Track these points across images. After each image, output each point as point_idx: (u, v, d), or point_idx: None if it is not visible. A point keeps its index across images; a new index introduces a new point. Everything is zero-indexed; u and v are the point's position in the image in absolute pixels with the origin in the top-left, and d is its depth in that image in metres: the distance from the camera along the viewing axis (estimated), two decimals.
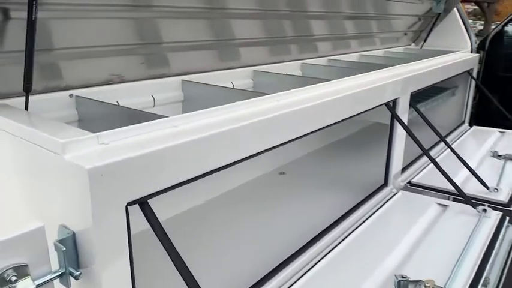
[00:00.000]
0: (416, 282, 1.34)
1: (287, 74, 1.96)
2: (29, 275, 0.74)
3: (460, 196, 1.87)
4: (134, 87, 1.42)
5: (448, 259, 1.48)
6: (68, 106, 1.24)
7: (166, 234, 0.86)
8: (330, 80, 1.63)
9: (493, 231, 1.67)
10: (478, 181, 2.05)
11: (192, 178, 0.91)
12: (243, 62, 1.89)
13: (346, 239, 1.64)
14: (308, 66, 2.22)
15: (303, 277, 1.39)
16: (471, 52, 3.37)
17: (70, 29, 1.20)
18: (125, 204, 0.81)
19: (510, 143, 2.84)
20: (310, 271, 1.42)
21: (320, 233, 1.65)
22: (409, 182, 2.20)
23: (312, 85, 1.47)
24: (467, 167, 2.07)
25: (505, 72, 3.87)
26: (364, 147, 2.64)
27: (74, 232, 0.80)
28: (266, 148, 1.11)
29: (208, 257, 1.43)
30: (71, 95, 1.24)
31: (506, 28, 4.03)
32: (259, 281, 1.32)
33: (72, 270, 0.79)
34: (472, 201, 1.83)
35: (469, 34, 3.41)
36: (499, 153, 2.57)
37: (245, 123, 1.03)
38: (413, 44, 3.63)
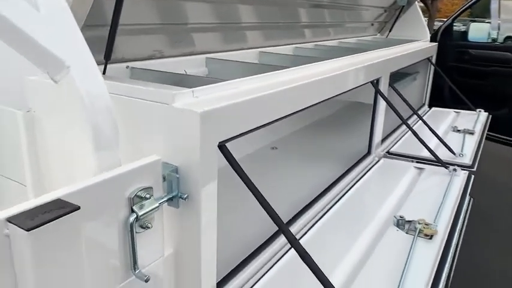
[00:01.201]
0: (410, 221, 1.64)
1: (288, 54, 2.21)
2: (152, 195, 0.95)
3: (435, 159, 2.21)
4: (171, 62, 1.62)
5: (432, 205, 1.80)
6: (124, 76, 1.42)
7: (243, 170, 1.09)
8: (327, 59, 1.89)
9: (463, 185, 2.02)
10: (446, 149, 2.41)
11: (261, 125, 1.15)
12: (249, 44, 2.12)
13: (342, 199, 1.91)
14: (300, 49, 2.48)
15: (314, 226, 1.64)
16: (430, 42, 3.78)
17: (124, 7, 1.39)
18: (217, 144, 1.03)
19: (466, 120, 3.25)
20: (318, 223, 1.67)
21: (318, 195, 1.91)
22: (388, 152, 2.52)
23: (317, 62, 1.73)
24: (436, 136, 2.43)
25: (454, 62, 4.32)
26: (344, 123, 2.95)
27: (176, 166, 1.01)
28: (312, 104, 1.37)
29: None
30: (127, 67, 1.42)
31: (455, 22, 4.50)
32: (266, 240, 1.53)
33: (181, 194, 1.00)
34: (444, 163, 2.18)
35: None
36: (458, 128, 2.97)
37: (294, 85, 1.28)
38: (378, 34, 4.00)
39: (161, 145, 1.03)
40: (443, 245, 1.48)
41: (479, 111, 3.49)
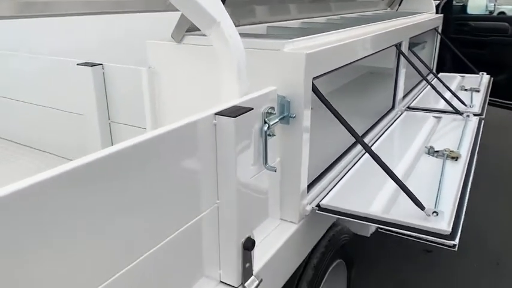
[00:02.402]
0: (438, 150, 2.06)
1: (326, 23, 2.60)
2: (275, 113, 1.35)
3: (450, 110, 2.63)
4: (243, 29, 2.01)
5: (453, 140, 2.22)
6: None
7: (327, 99, 1.50)
8: (364, 25, 2.29)
9: (476, 126, 2.43)
10: (458, 101, 2.82)
11: (338, 67, 1.56)
12: (292, 16, 2.51)
13: (377, 142, 2.32)
14: (332, 19, 2.87)
15: (361, 159, 2.06)
16: (436, 13, 4.17)
17: None
18: (312, 79, 1.44)
19: (471, 81, 3.67)
20: (362, 157, 2.09)
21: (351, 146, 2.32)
22: (408, 107, 2.93)
23: (360, 26, 2.13)
24: (450, 91, 2.84)
25: (455, 34, 4.71)
26: (367, 86, 3.35)
27: (284, 96, 1.42)
28: (368, 55, 1.80)
29: None
30: None
31: None
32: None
33: (291, 114, 1.41)
34: (459, 111, 2.60)
35: None
36: (466, 88, 3.38)
37: (378, 33, 1.69)
38: (388, 8, 4.37)
39: (273, 80, 1.42)
40: (467, 163, 1.90)
41: (482, 74, 3.89)
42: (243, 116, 1.09)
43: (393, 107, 2.83)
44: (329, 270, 1.95)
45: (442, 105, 2.87)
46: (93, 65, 1.83)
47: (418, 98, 3.15)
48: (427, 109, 2.85)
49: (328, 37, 1.72)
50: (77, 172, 0.77)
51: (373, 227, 2.57)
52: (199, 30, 1.61)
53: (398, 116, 2.74)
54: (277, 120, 1.35)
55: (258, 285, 1.26)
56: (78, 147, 2.04)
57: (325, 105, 1.50)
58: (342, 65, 1.66)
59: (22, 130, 2.33)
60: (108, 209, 0.85)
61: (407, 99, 3.08)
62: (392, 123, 2.61)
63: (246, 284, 1.22)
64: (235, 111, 1.09)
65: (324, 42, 1.60)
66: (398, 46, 2.63)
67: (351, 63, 1.73)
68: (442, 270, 2.98)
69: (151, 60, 1.71)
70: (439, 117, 2.65)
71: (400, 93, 2.84)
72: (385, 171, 1.46)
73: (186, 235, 1.09)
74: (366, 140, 2.35)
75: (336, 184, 1.67)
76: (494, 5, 5.19)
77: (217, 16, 1.28)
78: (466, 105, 2.81)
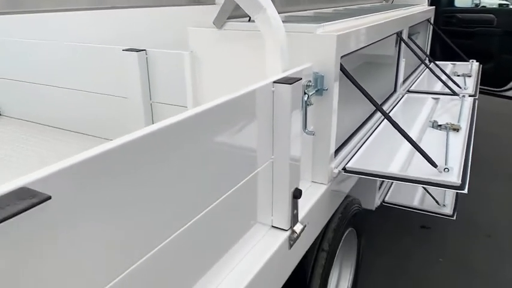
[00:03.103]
0: (441, 124, 2.32)
1: (337, 12, 2.85)
2: (312, 85, 1.59)
3: (446, 92, 2.90)
4: None
5: (452, 116, 2.48)
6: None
7: (353, 76, 1.74)
8: (370, 14, 2.54)
9: (471, 106, 2.71)
10: (454, 84, 3.10)
11: (360, 48, 1.80)
12: (305, 7, 2.75)
13: (385, 120, 2.57)
14: (339, 10, 3.12)
15: (371, 136, 2.31)
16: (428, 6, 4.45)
17: None
18: (340, 57, 1.68)
19: (463, 68, 3.95)
20: (374, 133, 2.34)
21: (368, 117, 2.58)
22: (408, 90, 3.20)
23: (370, 14, 2.38)
24: (446, 75, 3.12)
25: (443, 26, 4.99)
26: (369, 73, 3.61)
27: (317, 71, 1.66)
28: (383, 37, 2.05)
29: None
30: (249, 19, 2.04)
31: None
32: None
33: (324, 87, 1.65)
34: (455, 92, 2.87)
35: None
36: (458, 74, 3.67)
37: (385, 20, 1.94)
38: (384, 1, 4.64)
39: (307, 59, 1.66)
40: (467, 134, 2.16)
41: (472, 61, 4.18)
42: (295, 83, 1.33)
43: (395, 90, 3.09)
44: (344, 235, 2.21)
45: (438, 88, 3.14)
46: (137, 50, 2.05)
47: (416, 82, 3.42)
48: (426, 92, 3.11)
49: (346, 23, 1.96)
50: (148, 139, 0.90)
51: (378, 201, 2.84)
52: (238, 17, 1.84)
53: (400, 98, 3.00)
54: (314, 91, 1.59)
55: (303, 229, 1.50)
56: (123, 128, 2.24)
57: (350, 79, 1.74)
58: (362, 46, 1.91)
59: (68, 117, 2.52)
60: (183, 166, 1.01)
61: (406, 83, 3.35)
62: (396, 104, 2.87)
63: (294, 228, 1.46)
64: (289, 80, 1.32)
65: (346, 27, 1.84)
66: (399, 34, 2.89)
67: (365, 46, 1.98)
68: (438, 242, 3.27)
69: (192, 45, 1.93)
70: (438, 99, 2.92)
71: (401, 78, 3.11)
72: (402, 135, 1.71)
73: (245, 188, 1.32)
74: (374, 119, 2.61)
75: (358, 150, 1.91)
76: None
77: (263, 3, 1.51)
78: (460, 88, 3.09)
